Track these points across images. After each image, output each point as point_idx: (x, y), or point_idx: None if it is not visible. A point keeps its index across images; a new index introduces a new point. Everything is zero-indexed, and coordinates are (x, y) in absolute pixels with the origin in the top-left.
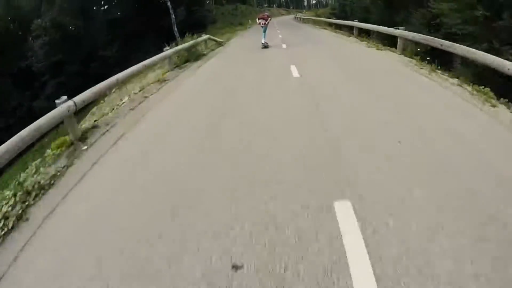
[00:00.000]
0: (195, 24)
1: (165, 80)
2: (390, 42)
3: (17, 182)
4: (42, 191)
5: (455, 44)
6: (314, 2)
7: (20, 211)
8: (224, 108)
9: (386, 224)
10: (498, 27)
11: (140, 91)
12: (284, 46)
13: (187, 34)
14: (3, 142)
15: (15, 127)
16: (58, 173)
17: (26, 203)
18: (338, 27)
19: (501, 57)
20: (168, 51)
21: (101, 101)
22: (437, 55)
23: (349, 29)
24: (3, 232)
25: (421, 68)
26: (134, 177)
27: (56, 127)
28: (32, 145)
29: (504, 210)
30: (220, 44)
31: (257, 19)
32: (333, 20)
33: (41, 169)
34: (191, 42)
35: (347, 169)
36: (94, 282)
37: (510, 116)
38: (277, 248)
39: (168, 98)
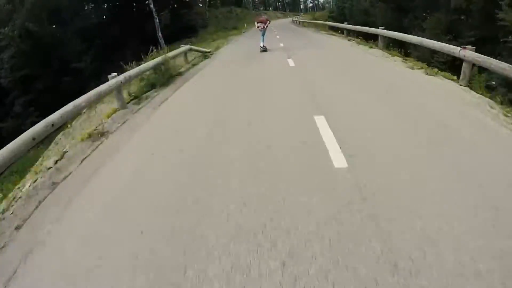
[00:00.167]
0: (184, 28)
1: (101, 135)
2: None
3: None
4: None
5: None
6: (310, 5)
7: None
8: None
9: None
10: None
11: (56, 162)
12: (291, 63)
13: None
14: None
15: None
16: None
17: None
18: (346, 32)
19: None
20: (114, 80)
21: None
22: None
23: (364, 36)
24: None
25: None
26: None
27: None
28: None
29: None
30: (206, 55)
31: (255, 23)
32: (347, 26)
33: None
34: (158, 59)
35: None
36: None
37: None
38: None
39: (87, 191)
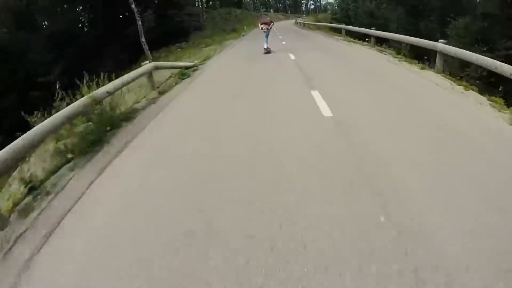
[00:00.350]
0: (173, 32)
1: None
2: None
3: None
4: None
5: None
6: (312, 7)
7: None
8: None
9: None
10: None
11: None
12: (322, 106)
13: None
14: None
15: None
16: None
17: None
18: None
19: None
20: None
21: None
22: None
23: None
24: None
25: None
26: None
27: None
28: None
29: None
30: (183, 74)
31: (259, 24)
32: (376, 32)
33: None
34: (76, 105)
35: None
36: None
37: None
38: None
39: None
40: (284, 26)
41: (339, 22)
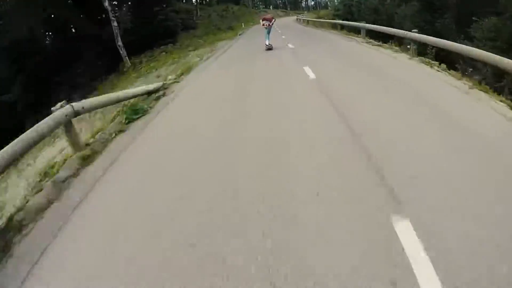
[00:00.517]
0: (157, 32)
1: None
2: None
3: None
4: None
5: None
6: (312, 3)
7: None
8: None
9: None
10: None
11: None
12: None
13: None
14: None
15: None
16: None
17: None
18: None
19: None
20: None
21: None
22: None
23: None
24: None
25: None
26: None
27: None
28: None
29: None
30: (135, 110)
31: (260, 20)
32: (418, 35)
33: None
34: None
35: None
36: None
37: None
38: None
39: None
40: (286, 24)
41: (341, 18)
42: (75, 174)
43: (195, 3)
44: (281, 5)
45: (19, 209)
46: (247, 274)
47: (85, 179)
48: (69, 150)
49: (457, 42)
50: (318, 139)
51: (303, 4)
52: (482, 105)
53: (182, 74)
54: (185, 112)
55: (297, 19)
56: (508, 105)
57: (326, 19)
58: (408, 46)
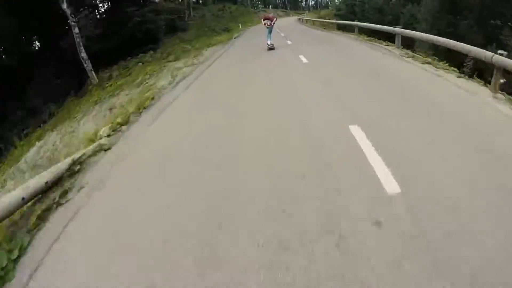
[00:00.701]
0: (134, 37)
1: None
2: None
3: None
4: None
5: None
6: (312, 3)
7: None
8: None
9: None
10: None
11: None
12: None
13: None
14: None
15: None
16: None
17: None
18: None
19: None
20: None
21: None
22: None
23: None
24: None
25: None
26: None
27: None
28: None
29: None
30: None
31: (262, 20)
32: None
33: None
34: None
35: None
36: None
37: None
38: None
39: None
40: (288, 25)
41: (343, 19)
42: None
43: (187, 3)
44: (280, 5)
45: None
46: None
47: None
48: None
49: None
50: None
51: (303, 4)
52: None
53: (121, 124)
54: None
55: (298, 19)
56: None
57: (327, 19)
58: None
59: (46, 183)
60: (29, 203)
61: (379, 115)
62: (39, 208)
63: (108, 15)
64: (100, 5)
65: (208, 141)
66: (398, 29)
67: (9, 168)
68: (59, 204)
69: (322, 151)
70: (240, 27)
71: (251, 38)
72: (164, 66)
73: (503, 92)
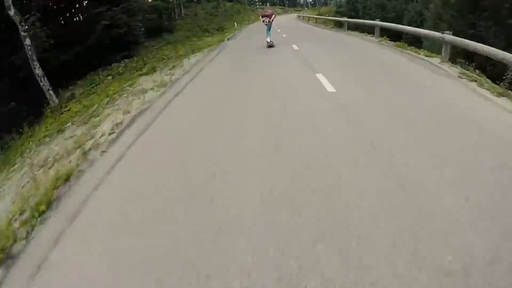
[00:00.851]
0: (101, 46)
1: None
2: None
3: None
4: None
5: None
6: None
7: None
8: None
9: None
10: None
11: None
12: None
13: None
14: None
15: None
16: None
17: None
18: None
19: None
20: None
21: None
22: None
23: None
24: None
25: None
26: None
27: None
28: None
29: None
30: None
31: (260, 17)
32: None
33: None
34: None
35: None
36: None
37: None
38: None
39: None
40: (289, 24)
41: (344, 16)
42: None
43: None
44: (278, 2)
45: None
46: None
47: None
48: None
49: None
50: None
51: (301, 0)
52: None
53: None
54: None
55: (298, 16)
56: None
57: (327, 15)
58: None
59: None
60: None
61: None
62: None
63: (68, 20)
64: (56, 6)
65: None
66: (448, 36)
67: None
68: None
69: None
70: (236, 26)
71: (247, 39)
72: (132, 83)
73: None
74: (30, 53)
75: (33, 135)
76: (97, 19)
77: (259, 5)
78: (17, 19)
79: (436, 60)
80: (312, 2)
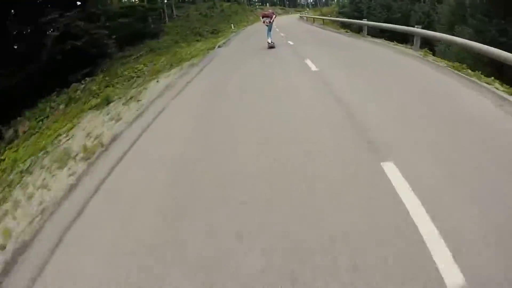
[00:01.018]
0: (60, 62)
1: None
2: None
3: None
4: None
5: None
6: (311, 0)
7: None
8: None
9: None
10: None
11: None
12: None
13: None
14: None
15: None
16: None
17: None
18: None
19: None
20: None
21: None
22: None
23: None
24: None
25: None
26: None
27: None
28: None
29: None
30: None
31: (260, 17)
32: None
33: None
34: None
35: None
36: None
37: None
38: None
39: None
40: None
41: (347, 17)
42: None
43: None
44: (278, 2)
45: None
46: None
47: None
48: None
49: None
50: None
51: (302, 1)
52: None
53: None
54: None
55: (300, 17)
56: None
57: (330, 16)
58: None
59: None
60: None
61: None
62: None
63: (4, 34)
64: None
65: None
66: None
67: None
68: None
69: None
70: (233, 28)
71: (246, 42)
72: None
73: None
74: None
75: None
76: (46, 28)
77: (259, 5)
78: None
79: (482, 81)
80: (313, 3)
